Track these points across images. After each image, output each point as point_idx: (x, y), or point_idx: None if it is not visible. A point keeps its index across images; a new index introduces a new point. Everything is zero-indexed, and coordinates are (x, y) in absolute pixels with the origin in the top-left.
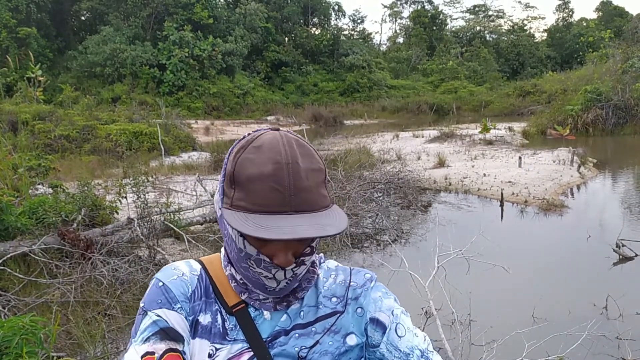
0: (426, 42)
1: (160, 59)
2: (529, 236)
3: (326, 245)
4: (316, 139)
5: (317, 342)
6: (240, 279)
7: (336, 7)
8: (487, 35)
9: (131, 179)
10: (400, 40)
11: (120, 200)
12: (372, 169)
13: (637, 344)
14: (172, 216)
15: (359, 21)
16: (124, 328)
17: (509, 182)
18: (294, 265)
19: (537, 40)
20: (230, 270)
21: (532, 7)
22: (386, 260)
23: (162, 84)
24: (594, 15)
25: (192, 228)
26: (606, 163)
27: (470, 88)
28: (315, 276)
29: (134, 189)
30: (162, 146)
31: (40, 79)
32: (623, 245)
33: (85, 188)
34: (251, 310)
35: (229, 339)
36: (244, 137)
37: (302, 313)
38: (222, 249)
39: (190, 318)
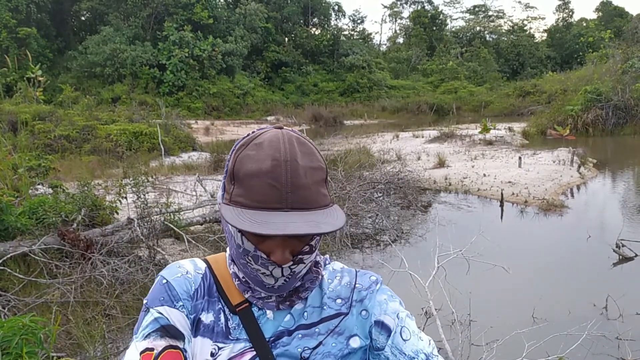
0: (426, 43)
1: (160, 59)
2: (529, 236)
3: (326, 245)
4: (316, 139)
5: (321, 343)
6: (243, 277)
7: (336, 7)
8: (487, 36)
9: (131, 179)
10: (400, 40)
11: (120, 201)
12: (372, 169)
13: (637, 344)
14: (172, 216)
15: (359, 21)
16: (124, 328)
17: (509, 182)
18: (292, 263)
19: (537, 41)
20: (233, 268)
21: (532, 7)
22: (386, 261)
23: (162, 84)
24: (594, 16)
25: (192, 228)
26: (606, 163)
27: (470, 88)
28: (320, 277)
29: (134, 189)
30: (162, 146)
31: (40, 79)
32: (623, 246)
33: (85, 188)
34: (254, 309)
35: (231, 338)
36: (247, 135)
37: (305, 314)
38: (228, 248)
39: (192, 316)
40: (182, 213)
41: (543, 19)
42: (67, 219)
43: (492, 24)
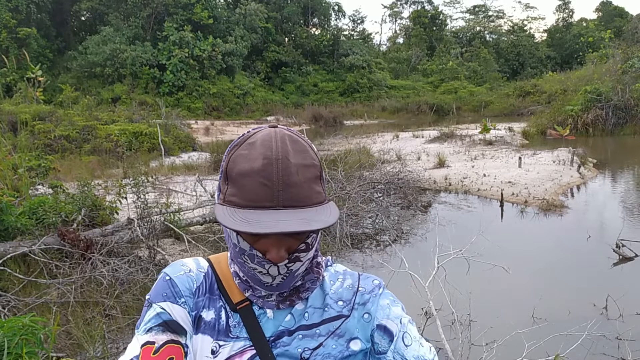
0: (426, 43)
1: (160, 59)
2: (528, 236)
3: (326, 245)
4: (316, 139)
5: (321, 344)
6: (243, 275)
7: (336, 8)
8: (487, 36)
9: (131, 179)
10: (400, 40)
11: (120, 201)
12: (372, 169)
13: (637, 344)
14: (172, 216)
15: (359, 21)
16: (124, 328)
17: (509, 182)
18: (288, 261)
19: (537, 41)
20: (234, 267)
21: (532, 7)
22: (386, 261)
23: (162, 84)
24: (594, 16)
25: (192, 228)
26: (606, 163)
27: (470, 88)
28: (320, 277)
29: (134, 189)
30: (162, 146)
31: (40, 79)
32: (623, 246)
33: (85, 188)
34: (255, 308)
35: (231, 336)
36: (242, 135)
37: (306, 314)
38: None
39: (194, 313)
40: (182, 213)
41: (543, 19)
42: (67, 219)
43: (492, 24)
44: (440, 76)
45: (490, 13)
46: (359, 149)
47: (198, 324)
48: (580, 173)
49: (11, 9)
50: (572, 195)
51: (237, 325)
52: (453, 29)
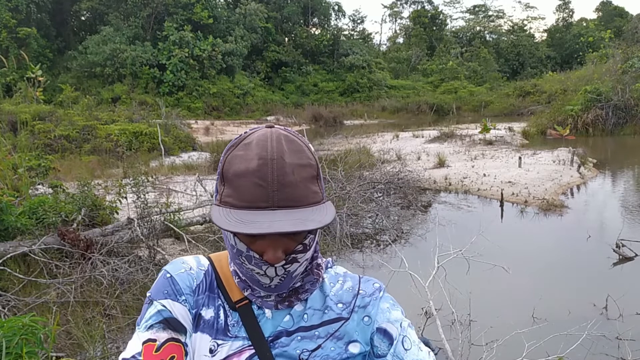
0: (426, 42)
1: (160, 59)
2: (528, 236)
3: (326, 245)
4: (316, 139)
5: (319, 346)
6: (242, 275)
7: (336, 7)
8: (487, 36)
9: (131, 179)
10: (400, 40)
11: (120, 201)
12: (372, 169)
13: (637, 344)
14: (172, 216)
15: (359, 21)
16: (124, 328)
17: (509, 182)
18: (285, 262)
19: (537, 41)
20: (234, 266)
21: (532, 7)
22: (386, 261)
23: (162, 84)
24: (594, 16)
25: (192, 228)
26: (606, 163)
27: (470, 88)
28: (320, 279)
29: (134, 189)
30: (162, 146)
31: (40, 79)
32: (623, 246)
33: (85, 188)
34: (254, 308)
35: (230, 335)
36: (239, 136)
37: (306, 316)
38: None
39: (194, 311)
40: (182, 213)
41: (543, 19)
42: (67, 219)
43: (492, 24)
44: (440, 76)
45: (490, 13)
46: (359, 148)
47: (197, 322)
48: (580, 173)
49: (11, 9)
50: (572, 195)
51: (235, 325)
52: (453, 29)
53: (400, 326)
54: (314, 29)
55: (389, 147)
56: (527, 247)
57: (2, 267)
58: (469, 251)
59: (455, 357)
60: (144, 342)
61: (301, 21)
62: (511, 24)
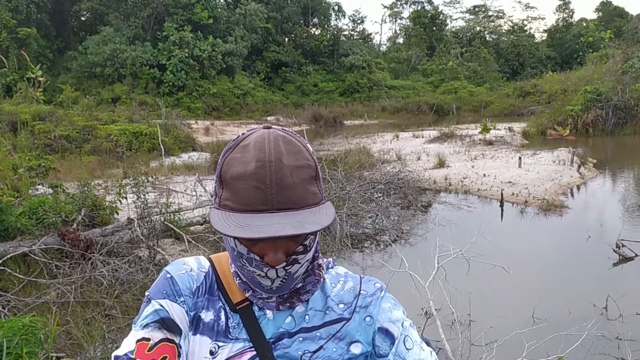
0: (426, 43)
1: (160, 59)
2: (528, 236)
3: (326, 245)
4: (316, 139)
5: (321, 347)
6: (244, 276)
7: (336, 8)
8: (487, 36)
9: (131, 179)
10: (400, 40)
11: (120, 201)
12: (372, 169)
13: (637, 344)
14: (172, 216)
15: (359, 21)
16: (124, 328)
17: (509, 182)
18: (286, 264)
19: (537, 41)
20: (234, 267)
21: (532, 7)
22: (386, 261)
23: (162, 84)
24: (594, 16)
25: (192, 228)
26: (606, 163)
27: (470, 88)
28: (321, 280)
29: (134, 189)
30: (162, 146)
31: (40, 79)
32: (623, 246)
33: (85, 188)
34: (255, 309)
35: (231, 337)
36: (236, 137)
37: (307, 317)
38: None
39: (192, 313)
40: (182, 213)
41: (543, 19)
42: (67, 219)
43: (492, 24)
44: (440, 76)
45: (490, 13)
46: (359, 149)
47: (197, 324)
48: (580, 173)
49: (11, 9)
50: (572, 195)
51: (236, 326)
52: (453, 29)
53: (402, 326)
54: (314, 29)
55: (389, 147)
56: (527, 247)
57: (2, 267)
58: (469, 251)
59: (455, 357)
60: (137, 341)
61: (301, 21)
62: (511, 24)
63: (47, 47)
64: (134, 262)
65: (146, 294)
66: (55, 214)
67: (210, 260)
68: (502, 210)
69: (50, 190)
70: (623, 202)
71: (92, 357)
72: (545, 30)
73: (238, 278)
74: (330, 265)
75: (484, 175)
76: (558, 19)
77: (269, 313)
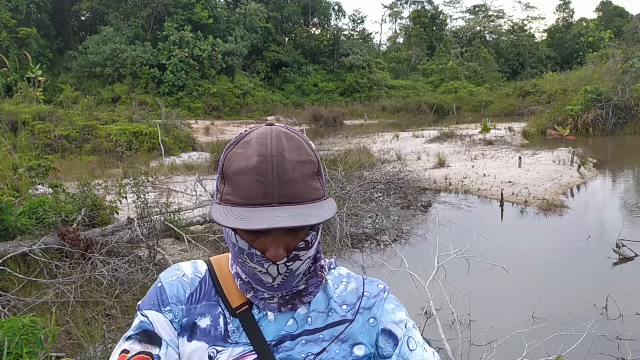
0: (426, 42)
1: (160, 59)
2: (528, 236)
3: (326, 245)
4: (316, 139)
5: (324, 349)
6: (245, 276)
7: (336, 7)
8: (487, 36)
9: (131, 179)
10: (400, 40)
11: (120, 200)
12: (372, 169)
13: (637, 344)
14: (172, 216)
15: (359, 21)
16: (124, 328)
17: (509, 182)
18: (287, 260)
19: (537, 41)
20: (235, 268)
21: (532, 7)
22: (386, 261)
23: (162, 84)
24: (594, 16)
25: (192, 228)
26: (606, 163)
27: (470, 88)
28: (323, 281)
29: (134, 189)
30: (162, 146)
31: (40, 79)
32: (623, 246)
33: (85, 188)
34: (255, 312)
35: (230, 342)
36: (239, 134)
37: (309, 319)
38: None
39: (185, 321)
40: (182, 213)
41: (543, 18)
42: (67, 219)
43: (492, 23)
44: (440, 76)
45: (490, 13)
46: (359, 148)
47: (193, 331)
48: (580, 173)
49: (11, 9)
50: (572, 195)
51: (236, 331)
52: (453, 29)
53: (405, 327)
54: (314, 29)
55: (389, 147)
56: (527, 247)
57: (2, 267)
58: (469, 251)
59: (455, 357)
60: (120, 352)
61: (301, 21)
62: (511, 24)
63: (47, 47)
64: (134, 261)
65: (137, 304)
66: (55, 214)
67: (210, 264)
68: (502, 210)
69: (50, 190)
70: (623, 202)
71: (92, 357)
72: (545, 30)
73: (239, 279)
74: (332, 266)
75: (484, 175)
76: (558, 18)
77: (270, 315)
